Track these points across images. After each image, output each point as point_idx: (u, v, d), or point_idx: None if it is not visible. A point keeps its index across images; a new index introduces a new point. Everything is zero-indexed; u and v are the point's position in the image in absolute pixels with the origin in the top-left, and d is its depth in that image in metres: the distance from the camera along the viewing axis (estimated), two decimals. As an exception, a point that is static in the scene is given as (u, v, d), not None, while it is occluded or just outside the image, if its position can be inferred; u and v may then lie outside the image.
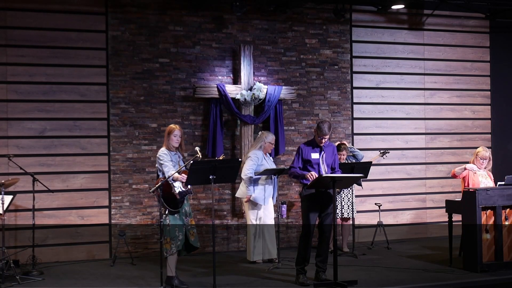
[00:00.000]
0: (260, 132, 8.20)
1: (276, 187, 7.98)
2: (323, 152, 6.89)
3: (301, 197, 6.99)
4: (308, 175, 6.73)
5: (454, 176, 7.92)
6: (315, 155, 6.86)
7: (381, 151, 9.23)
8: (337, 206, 8.50)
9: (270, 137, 8.04)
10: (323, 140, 6.84)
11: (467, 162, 8.06)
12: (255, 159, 7.85)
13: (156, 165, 6.73)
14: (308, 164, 6.86)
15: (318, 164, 6.85)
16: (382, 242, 9.18)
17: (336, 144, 8.50)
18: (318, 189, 6.79)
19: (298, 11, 9.45)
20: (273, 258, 7.94)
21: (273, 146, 8.18)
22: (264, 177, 7.84)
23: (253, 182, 7.82)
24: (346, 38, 9.78)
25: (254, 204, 7.91)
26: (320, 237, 6.96)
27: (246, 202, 7.93)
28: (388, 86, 10.05)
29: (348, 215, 8.57)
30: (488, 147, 10.40)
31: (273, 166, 7.98)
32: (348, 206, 8.57)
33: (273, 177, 7.90)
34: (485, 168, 7.86)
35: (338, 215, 8.52)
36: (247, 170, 7.81)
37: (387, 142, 9.97)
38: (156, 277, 6.85)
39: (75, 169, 8.47)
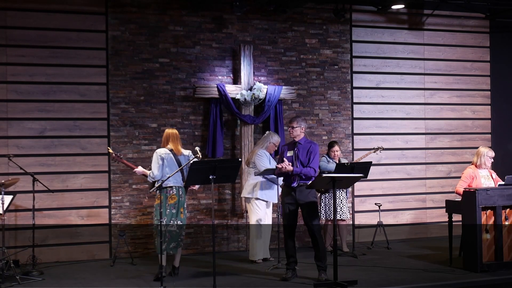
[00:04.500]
0: (267, 132, 8.26)
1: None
2: (296, 150, 6.98)
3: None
4: (278, 166, 6.87)
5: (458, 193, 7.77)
6: (289, 153, 7.02)
7: (374, 148, 9.17)
8: (323, 208, 8.54)
9: (275, 138, 8.11)
10: (290, 133, 7.05)
11: (468, 162, 8.05)
12: (265, 155, 7.94)
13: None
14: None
15: (292, 162, 6.93)
16: (382, 242, 9.18)
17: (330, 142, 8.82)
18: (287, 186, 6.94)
19: (298, 11, 9.45)
20: (268, 257, 8.12)
21: (276, 148, 8.23)
22: (270, 176, 7.89)
23: (264, 179, 7.94)
24: (346, 38, 9.78)
25: (259, 204, 7.96)
26: (311, 237, 7.04)
27: (253, 201, 8.00)
28: (388, 86, 10.05)
29: (340, 217, 8.55)
30: (488, 147, 10.43)
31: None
32: (341, 207, 8.56)
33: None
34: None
35: (323, 216, 8.54)
36: (261, 166, 7.84)
37: (387, 142, 9.97)
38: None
39: (75, 169, 8.47)
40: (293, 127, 7.02)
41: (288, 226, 7.01)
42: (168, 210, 7.03)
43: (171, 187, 7.06)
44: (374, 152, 9.12)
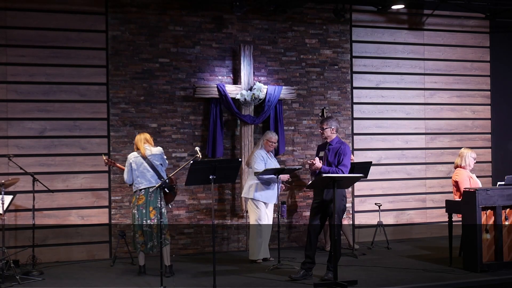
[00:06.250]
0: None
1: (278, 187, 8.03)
2: (326, 151, 7.03)
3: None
4: (308, 162, 7.06)
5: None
6: (321, 154, 7.09)
7: (321, 109, 8.94)
8: None
9: (268, 135, 8.11)
10: (322, 134, 7.13)
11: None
12: (260, 157, 7.93)
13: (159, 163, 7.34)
14: None
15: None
16: (382, 242, 9.18)
17: None
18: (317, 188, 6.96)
19: (298, 11, 9.45)
20: (268, 257, 8.12)
21: (274, 145, 8.19)
22: (270, 176, 7.88)
23: (262, 179, 7.92)
24: (346, 38, 9.78)
25: (258, 204, 7.95)
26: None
27: (251, 201, 7.99)
28: (388, 86, 10.05)
29: None
30: (488, 147, 10.50)
31: (277, 166, 8.01)
32: None
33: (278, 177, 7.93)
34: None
35: None
36: (255, 168, 7.86)
37: (387, 142, 9.97)
38: (156, 277, 6.86)
39: (75, 169, 8.47)
40: (323, 129, 7.07)
41: (313, 225, 6.99)
42: (138, 211, 7.21)
43: (140, 189, 7.26)
44: (321, 115, 8.83)
